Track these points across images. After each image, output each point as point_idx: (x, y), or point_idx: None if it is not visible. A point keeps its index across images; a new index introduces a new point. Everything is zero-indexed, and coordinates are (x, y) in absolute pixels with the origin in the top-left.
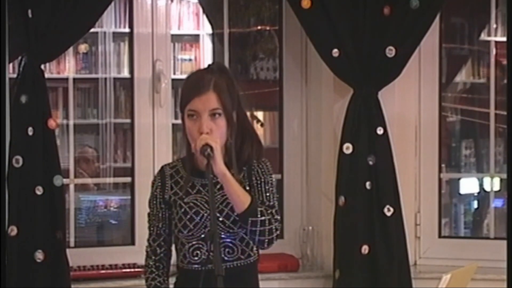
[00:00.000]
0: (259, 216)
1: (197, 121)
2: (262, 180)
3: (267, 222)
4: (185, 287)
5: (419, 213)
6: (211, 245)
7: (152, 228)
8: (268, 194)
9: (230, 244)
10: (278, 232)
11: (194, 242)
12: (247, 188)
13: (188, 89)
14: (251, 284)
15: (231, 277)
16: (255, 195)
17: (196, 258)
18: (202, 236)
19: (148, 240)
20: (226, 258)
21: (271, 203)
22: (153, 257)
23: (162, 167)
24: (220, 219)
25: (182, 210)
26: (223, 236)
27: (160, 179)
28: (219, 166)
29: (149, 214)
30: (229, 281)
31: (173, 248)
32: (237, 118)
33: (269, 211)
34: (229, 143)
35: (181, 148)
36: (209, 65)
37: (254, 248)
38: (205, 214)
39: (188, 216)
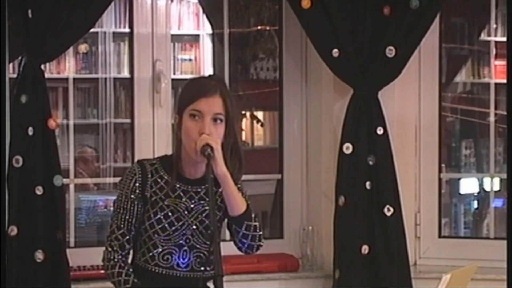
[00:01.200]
0: (253, 221)
1: (199, 122)
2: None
3: (258, 227)
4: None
5: (419, 213)
6: (184, 253)
7: (122, 222)
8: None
9: (202, 256)
10: (262, 241)
11: (167, 247)
12: (222, 203)
13: (194, 90)
14: None
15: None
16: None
17: (165, 262)
18: (179, 242)
19: (114, 233)
20: (195, 267)
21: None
22: (120, 252)
23: (141, 162)
24: (200, 229)
25: (163, 212)
26: (198, 246)
27: (141, 175)
28: (221, 167)
29: (119, 207)
30: None
31: None
32: (228, 132)
33: (256, 218)
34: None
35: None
36: (210, 76)
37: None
38: (186, 223)
39: (169, 220)
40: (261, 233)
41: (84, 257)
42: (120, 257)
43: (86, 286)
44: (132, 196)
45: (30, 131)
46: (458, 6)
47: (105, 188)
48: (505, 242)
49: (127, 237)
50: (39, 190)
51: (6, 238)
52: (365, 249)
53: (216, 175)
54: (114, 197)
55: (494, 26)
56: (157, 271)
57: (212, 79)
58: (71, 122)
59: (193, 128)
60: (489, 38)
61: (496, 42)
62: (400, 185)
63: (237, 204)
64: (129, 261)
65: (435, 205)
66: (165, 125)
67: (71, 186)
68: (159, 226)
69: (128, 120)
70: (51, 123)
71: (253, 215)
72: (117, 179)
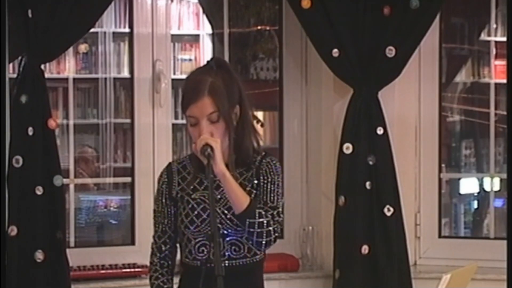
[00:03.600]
0: (257, 217)
1: (197, 127)
2: (269, 180)
3: (265, 224)
4: (190, 283)
5: (419, 213)
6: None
7: (157, 225)
8: (272, 195)
9: (237, 242)
10: (277, 234)
11: (200, 239)
12: (255, 186)
13: (185, 94)
14: (256, 283)
15: (236, 275)
16: (260, 194)
17: (201, 255)
18: (209, 232)
19: (153, 237)
20: (232, 255)
21: (274, 204)
22: (158, 255)
23: (169, 164)
24: (228, 216)
25: (190, 206)
26: (230, 233)
27: (167, 176)
28: (219, 166)
29: (154, 211)
30: (234, 279)
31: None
32: (240, 112)
33: (269, 213)
34: (231, 141)
35: (188, 146)
36: (208, 62)
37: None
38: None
39: (196, 212)
40: (270, 228)
41: (84, 257)
42: (157, 260)
43: (86, 286)
44: (161, 198)
45: (30, 131)
46: (458, 6)
47: (105, 188)
48: (505, 242)
49: (163, 239)
50: (39, 190)
51: (6, 238)
52: (365, 249)
53: (216, 174)
54: (114, 197)
55: (494, 26)
56: (196, 264)
57: (206, 71)
58: (71, 122)
59: (194, 132)
60: (489, 38)
61: (496, 42)
62: (400, 185)
63: (238, 203)
64: (172, 261)
65: (435, 205)
66: (165, 125)
67: (71, 186)
68: (188, 220)
69: (128, 120)
70: (51, 123)
71: (258, 211)
72: (117, 179)
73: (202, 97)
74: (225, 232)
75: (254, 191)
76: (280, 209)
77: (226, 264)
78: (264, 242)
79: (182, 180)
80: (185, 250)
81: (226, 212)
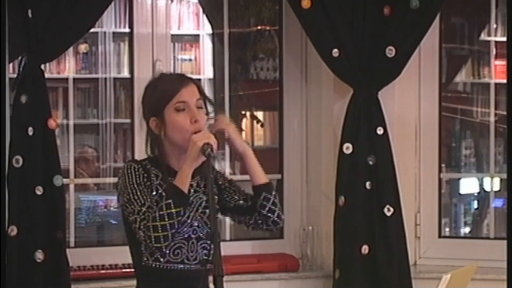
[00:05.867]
0: (272, 196)
1: (185, 112)
2: (227, 179)
3: (276, 204)
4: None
5: (419, 213)
6: (192, 245)
7: (143, 200)
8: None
9: (208, 247)
10: (281, 220)
11: (177, 241)
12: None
13: (169, 85)
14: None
15: (195, 280)
16: (233, 190)
17: (176, 257)
18: (186, 235)
19: (139, 213)
20: (202, 259)
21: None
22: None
23: (135, 160)
24: (204, 220)
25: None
26: (204, 237)
27: (144, 172)
28: (241, 144)
29: (129, 199)
30: (192, 283)
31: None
32: None
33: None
34: None
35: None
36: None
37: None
38: (191, 214)
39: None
40: (279, 212)
41: (84, 257)
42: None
43: (86, 286)
44: (142, 188)
45: (30, 131)
46: (458, 6)
47: (105, 188)
48: (505, 242)
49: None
50: (39, 190)
51: (6, 238)
52: (365, 249)
53: (238, 152)
54: (114, 197)
55: (494, 26)
56: (168, 267)
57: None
58: (71, 122)
59: (183, 120)
60: (489, 38)
61: (496, 42)
62: (400, 185)
63: (261, 174)
64: None
65: (435, 205)
66: None
67: (71, 186)
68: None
69: (128, 120)
70: (51, 123)
71: (273, 192)
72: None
73: (190, 83)
74: (200, 235)
75: (216, 197)
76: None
77: (196, 269)
78: (272, 219)
79: (156, 179)
80: (156, 253)
81: (202, 215)
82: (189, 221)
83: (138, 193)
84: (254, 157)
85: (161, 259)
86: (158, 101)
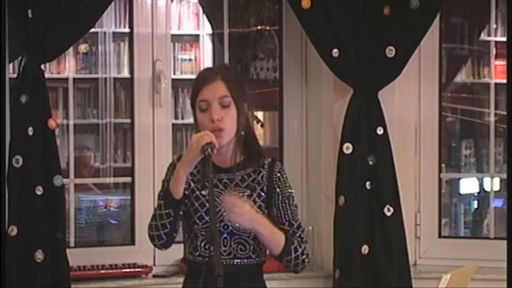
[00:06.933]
0: (293, 253)
1: (207, 112)
2: (287, 194)
3: (300, 254)
4: (195, 281)
5: (419, 213)
6: (224, 240)
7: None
8: (293, 213)
9: (244, 242)
10: (309, 255)
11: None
12: (265, 189)
13: (196, 83)
14: (259, 283)
15: (240, 275)
16: (280, 211)
17: (207, 251)
18: (218, 229)
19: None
20: (238, 254)
21: (298, 223)
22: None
23: (180, 156)
24: None
25: (199, 201)
26: (238, 233)
27: None
28: (248, 223)
29: (159, 194)
30: (238, 279)
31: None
32: (247, 111)
33: (298, 235)
34: (240, 135)
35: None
36: (217, 65)
37: (264, 249)
38: (222, 209)
39: (205, 209)
40: (304, 257)
41: (84, 257)
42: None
43: (86, 286)
44: None
45: (30, 131)
46: (458, 6)
47: (105, 188)
48: (505, 242)
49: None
50: (39, 190)
51: (6, 238)
52: (365, 249)
53: (248, 229)
54: (114, 197)
55: (494, 26)
56: (201, 261)
57: (214, 67)
58: (71, 122)
59: (204, 118)
60: (489, 38)
61: (496, 42)
62: (400, 185)
63: (277, 246)
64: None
65: (435, 205)
66: (165, 125)
67: (71, 186)
68: (197, 215)
69: (128, 120)
70: (51, 123)
71: (293, 247)
72: (117, 179)
73: (215, 80)
74: (234, 231)
75: (264, 194)
76: (303, 227)
77: (234, 263)
78: (299, 269)
79: (190, 175)
80: (191, 246)
81: None
82: (218, 215)
83: (162, 191)
84: (269, 228)
85: (195, 253)
86: (191, 98)
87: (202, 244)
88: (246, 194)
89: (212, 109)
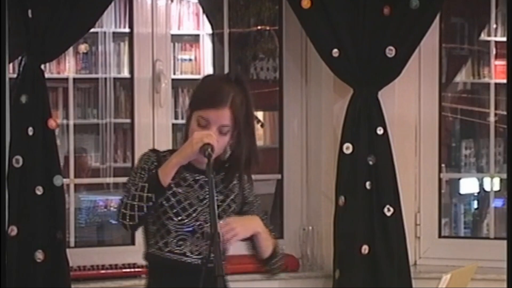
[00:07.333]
0: (279, 256)
1: (205, 128)
2: (256, 205)
3: (281, 258)
4: (161, 276)
5: (419, 213)
6: (197, 240)
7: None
8: (265, 222)
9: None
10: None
11: (181, 232)
12: (235, 200)
13: (206, 96)
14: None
15: (208, 274)
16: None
17: (179, 249)
18: (190, 228)
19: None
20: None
21: (269, 229)
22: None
23: (156, 150)
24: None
25: (176, 198)
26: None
27: (156, 159)
28: (245, 231)
29: (135, 179)
30: (205, 278)
31: None
32: (245, 132)
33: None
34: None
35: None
36: (227, 74)
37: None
38: (199, 209)
39: (182, 206)
40: (282, 261)
41: (84, 257)
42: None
43: (86, 286)
44: (147, 170)
45: (30, 131)
46: (458, 6)
47: (105, 188)
48: (505, 242)
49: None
50: (39, 190)
51: (6, 238)
52: (365, 249)
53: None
54: (114, 197)
55: (494, 26)
56: (170, 257)
57: (227, 82)
58: (71, 122)
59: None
60: (489, 38)
61: (496, 42)
62: (400, 185)
63: (267, 250)
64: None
65: (435, 205)
66: (165, 125)
67: (71, 186)
68: (173, 211)
69: (128, 120)
70: (51, 123)
71: (279, 249)
72: (117, 179)
73: (224, 107)
74: (206, 231)
75: (236, 202)
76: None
77: (199, 263)
78: (278, 272)
79: None
80: (159, 241)
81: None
82: (194, 214)
83: (138, 177)
84: (264, 235)
85: (164, 249)
86: (193, 100)
87: (175, 241)
88: (219, 198)
89: (212, 132)
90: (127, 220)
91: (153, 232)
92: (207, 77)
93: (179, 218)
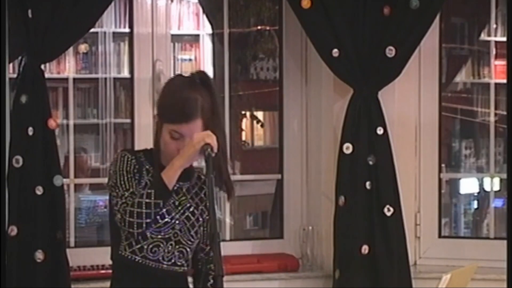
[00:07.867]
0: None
1: (179, 141)
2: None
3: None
4: (130, 280)
5: (419, 213)
6: (170, 247)
7: (123, 191)
8: None
9: (184, 251)
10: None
11: (156, 239)
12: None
13: (175, 111)
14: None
15: (176, 280)
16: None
17: (152, 255)
18: (166, 236)
19: (123, 197)
20: (177, 262)
21: None
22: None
23: (129, 150)
24: (187, 225)
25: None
26: (183, 242)
27: (136, 163)
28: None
29: (115, 184)
30: (174, 283)
31: None
32: (216, 129)
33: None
34: None
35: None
36: (192, 77)
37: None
38: (176, 215)
39: (160, 213)
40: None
41: (84, 257)
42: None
43: (86, 286)
44: (131, 177)
45: (30, 131)
46: (458, 6)
47: (105, 188)
48: (505, 242)
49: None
50: (39, 190)
51: (6, 238)
52: (365, 249)
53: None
54: None
55: (494, 26)
56: (143, 262)
57: (193, 87)
58: (71, 122)
59: (172, 145)
60: (489, 38)
61: (496, 42)
62: (400, 185)
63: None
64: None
65: (435, 205)
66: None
67: (71, 186)
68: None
69: (128, 120)
70: (51, 123)
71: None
72: None
73: (195, 119)
74: (180, 239)
75: (205, 208)
76: None
77: (171, 269)
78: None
79: (147, 174)
80: (134, 245)
81: (185, 221)
82: (171, 221)
83: (125, 179)
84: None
85: (139, 253)
86: (162, 111)
87: (150, 247)
88: (194, 202)
89: (184, 143)
90: (135, 228)
91: (128, 235)
92: (172, 81)
93: (157, 225)
